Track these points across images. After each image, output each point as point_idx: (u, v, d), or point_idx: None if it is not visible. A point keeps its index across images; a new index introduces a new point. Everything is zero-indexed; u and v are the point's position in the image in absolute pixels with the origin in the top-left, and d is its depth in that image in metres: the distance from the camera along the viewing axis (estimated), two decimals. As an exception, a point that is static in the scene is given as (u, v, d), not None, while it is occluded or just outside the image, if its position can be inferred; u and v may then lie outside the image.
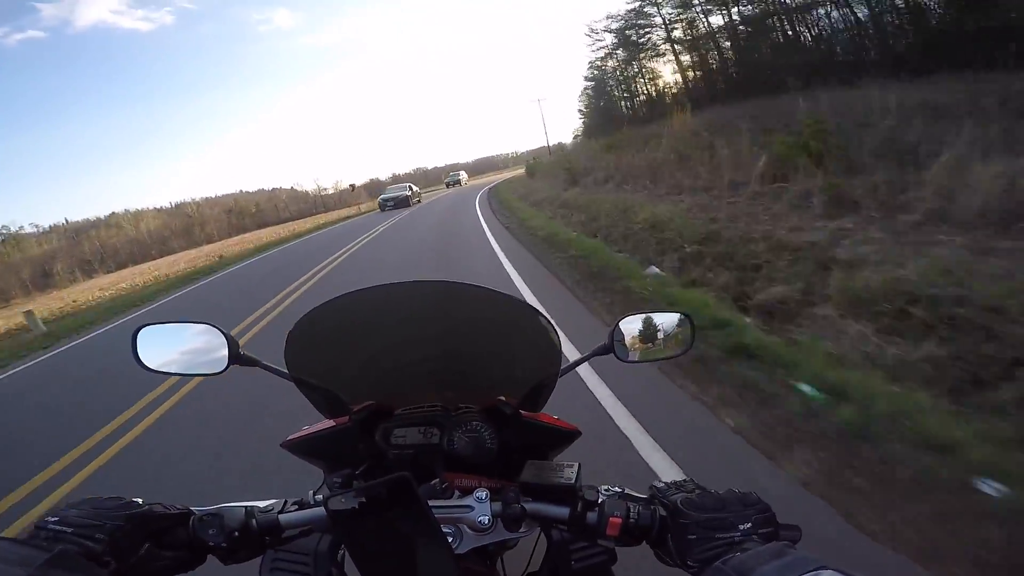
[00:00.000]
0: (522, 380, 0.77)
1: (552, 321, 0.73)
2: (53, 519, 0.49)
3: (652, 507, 0.58)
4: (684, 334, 0.86)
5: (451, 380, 0.81)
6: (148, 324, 0.82)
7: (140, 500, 0.56)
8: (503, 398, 0.77)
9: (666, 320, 0.87)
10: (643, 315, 0.86)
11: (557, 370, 0.77)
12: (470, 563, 0.65)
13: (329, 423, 0.81)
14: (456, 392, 0.80)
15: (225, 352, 0.78)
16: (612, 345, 0.84)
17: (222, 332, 0.79)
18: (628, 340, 0.85)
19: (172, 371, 0.84)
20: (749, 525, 0.51)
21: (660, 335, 0.86)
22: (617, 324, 0.85)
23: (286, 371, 0.79)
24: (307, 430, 0.82)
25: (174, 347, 0.83)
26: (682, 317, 0.86)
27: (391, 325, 0.77)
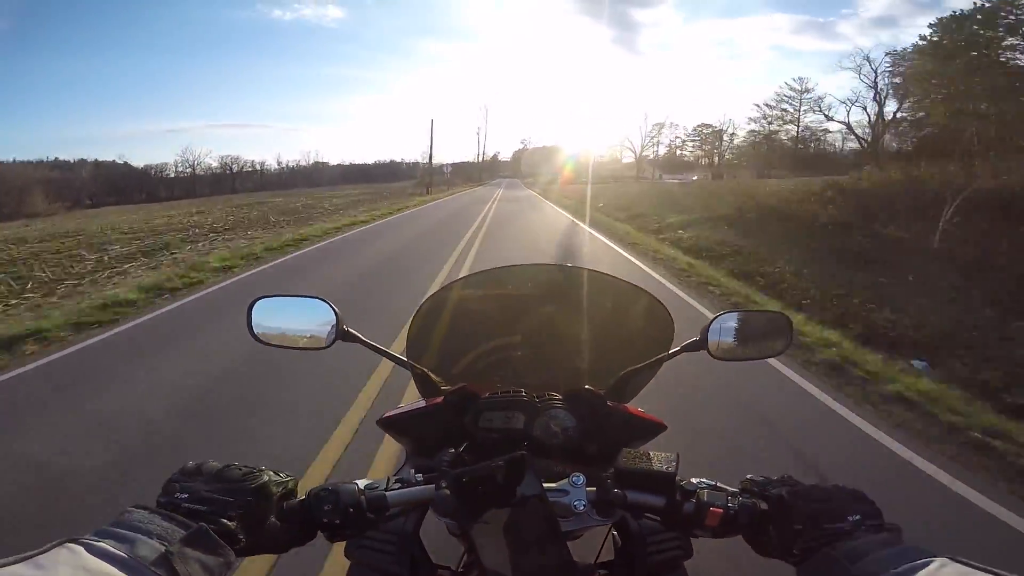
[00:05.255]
0: (614, 370, 0.77)
1: (670, 313, 0.72)
2: (184, 496, 0.50)
3: (750, 499, 0.58)
4: (780, 334, 0.84)
5: (539, 367, 0.83)
6: (264, 296, 0.88)
7: (263, 468, 0.57)
8: (589, 387, 0.78)
9: (762, 319, 0.84)
10: (738, 313, 0.84)
11: (650, 362, 0.76)
12: None
13: (422, 403, 0.85)
14: (543, 379, 0.82)
15: (332, 327, 0.83)
16: (705, 341, 0.82)
17: (331, 307, 0.83)
18: (721, 337, 0.83)
19: (281, 344, 0.89)
20: (858, 517, 0.51)
21: (754, 334, 0.84)
22: (712, 321, 0.83)
23: (387, 350, 0.83)
24: (402, 408, 0.86)
25: (284, 319, 0.88)
26: (780, 317, 0.83)
27: (490, 308, 0.79)
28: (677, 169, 57.60)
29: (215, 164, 68.99)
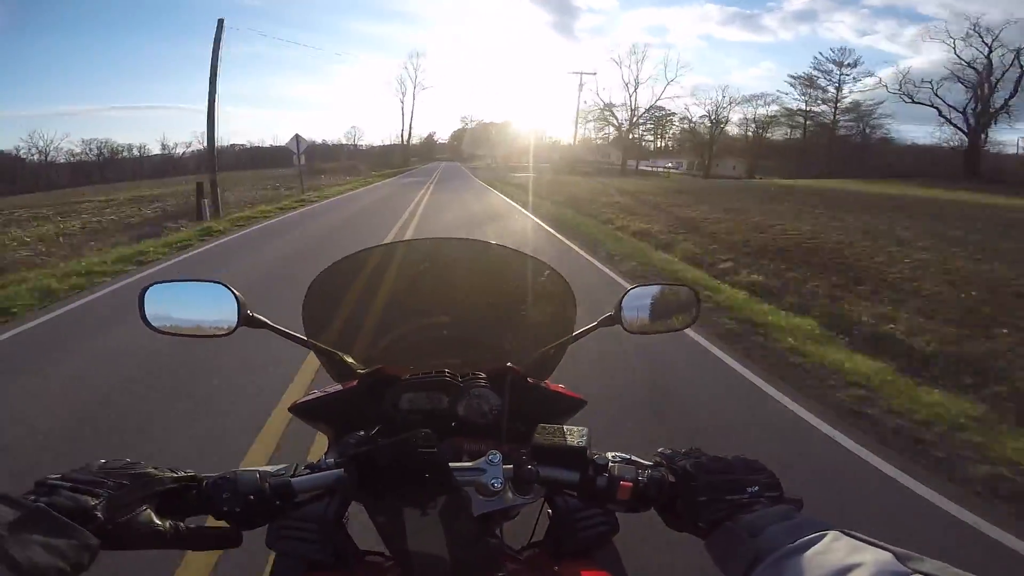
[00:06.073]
0: (531, 347, 0.78)
1: (571, 288, 0.73)
2: (55, 476, 0.47)
3: (660, 472, 0.59)
4: (689, 308, 0.88)
5: (460, 346, 0.82)
6: (157, 283, 0.80)
7: (156, 467, 0.53)
8: (511, 364, 0.79)
9: (671, 293, 0.88)
10: (649, 287, 0.87)
11: (568, 337, 0.78)
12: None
13: (337, 387, 0.82)
14: (464, 358, 0.81)
15: (235, 313, 0.77)
16: (619, 316, 0.85)
17: (232, 292, 0.77)
18: (634, 312, 0.86)
19: (179, 332, 0.82)
20: (757, 488, 0.53)
21: (665, 308, 0.88)
22: (624, 296, 0.86)
23: (295, 333, 0.79)
24: (316, 394, 0.82)
25: (182, 306, 0.81)
26: (688, 291, 0.88)
27: (405, 285, 0.77)
28: (632, 155, 50.88)
29: (77, 149, 57.14)
